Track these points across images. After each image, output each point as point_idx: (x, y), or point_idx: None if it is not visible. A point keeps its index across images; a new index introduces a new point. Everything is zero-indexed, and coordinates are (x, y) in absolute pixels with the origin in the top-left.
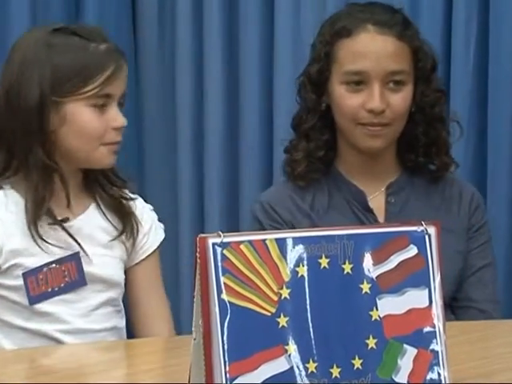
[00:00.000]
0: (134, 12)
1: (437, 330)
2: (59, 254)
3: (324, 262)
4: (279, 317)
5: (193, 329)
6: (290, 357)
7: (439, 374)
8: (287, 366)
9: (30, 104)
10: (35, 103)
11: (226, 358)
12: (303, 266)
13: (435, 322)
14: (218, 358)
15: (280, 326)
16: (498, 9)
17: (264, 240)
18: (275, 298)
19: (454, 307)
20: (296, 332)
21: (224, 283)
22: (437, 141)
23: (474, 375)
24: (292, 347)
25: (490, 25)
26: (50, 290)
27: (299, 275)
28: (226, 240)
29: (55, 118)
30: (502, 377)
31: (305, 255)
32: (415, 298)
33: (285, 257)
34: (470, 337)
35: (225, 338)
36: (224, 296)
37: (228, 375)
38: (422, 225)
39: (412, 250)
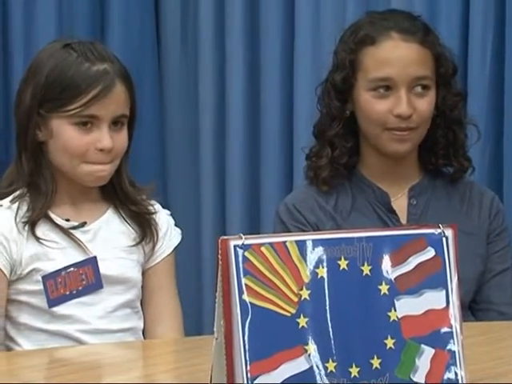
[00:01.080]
0: (157, 19)
1: (454, 330)
2: (77, 257)
3: (343, 263)
4: (299, 317)
5: (215, 329)
6: (310, 357)
7: (456, 374)
8: (307, 366)
9: (22, 112)
10: (25, 112)
11: (247, 358)
12: (323, 267)
13: (452, 322)
14: (239, 357)
15: (300, 326)
16: None
17: (284, 242)
18: (295, 299)
19: (474, 309)
20: (316, 332)
21: (245, 284)
22: (455, 143)
23: (491, 375)
24: (312, 347)
25: (506, 30)
26: (68, 292)
27: (319, 277)
28: (247, 242)
29: (44, 130)
30: None
31: (324, 257)
32: (433, 299)
33: (305, 258)
34: (487, 337)
35: (246, 338)
36: (245, 297)
37: (249, 374)
38: (439, 227)
39: (430, 252)
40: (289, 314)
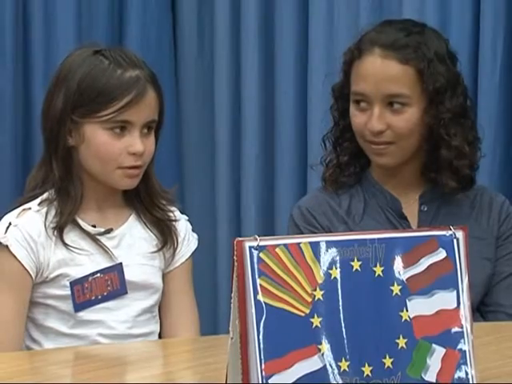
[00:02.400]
0: (174, 27)
1: (464, 330)
2: (104, 263)
3: (356, 264)
4: (313, 317)
5: (230, 328)
6: (323, 356)
7: (467, 373)
8: (320, 365)
9: (54, 117)
10: (57, 118)
11: (262, 357)
12: (336, 268)
13: (463, 322)
14: (253, 356)
15: (313, 326)
16: None
17: (298, 243)
18: (309, 299)
19: (483, 312)
20: (329, 332)
21: (260, 285)
22: (437, 162)
23: (501, 374)
24: (325, 346)
25: None
26: (93, 298)
27: (332, 277)
28: (262, 243)
29: (76, 135)
30: None
31: (338, 258)
32: (444, 300)
33: (318, 259)
34: (496, 337)
35: (260, 337)
36: (260, 297)
37: (263, 373)
38: (450, 229)
39: (441, 254)
40: (303, 314)
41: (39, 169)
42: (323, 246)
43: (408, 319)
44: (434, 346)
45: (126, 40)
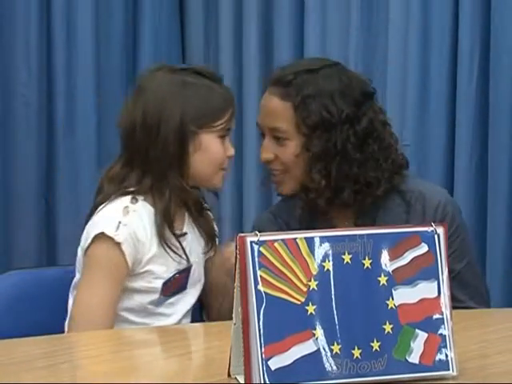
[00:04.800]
0: (183, 38)
1: (445, 317)
2: (182, 263)
3: (347, 257)
4: (308, 305)
5: (233, 315)
6: (317, 340)
7: (447, 356)
8: (315, 348)
9: (171, 133)
10: (176, 132)
11: (262, 341)
12: (329, 261)
13: (443, 310)
14: (254, 340)
15: (308, 313)
16: (499, 43)
17: (295, 239)
18: (304, 289)
19: None
20: (322, 318)
21: (260, 276)
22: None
23: (477, 356)
24: (319, 331)
25: (491, 44)
26: (168, 294)
27: (325, 269)
28: (262, 239)
29: (191, 145)
30: (502, 357)
31: (330, 252)
32: (426, 289)
33: (313, 253)
34: (473, 323)
35: (261, 323)
36: (260, 287)
37: (263, 355)
38: (432, 226)
39: (423, 248)
40: (299, 302)
41: (120, 169)
42: (317, 240)
43: (394, 307)
44: (417, 331)
45: (140, 55)
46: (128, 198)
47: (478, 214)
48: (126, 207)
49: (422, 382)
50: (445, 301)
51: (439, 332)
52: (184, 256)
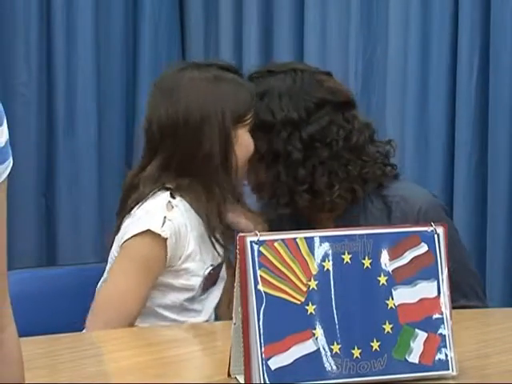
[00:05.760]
0: (183, 39)
1: (444, 316)
2: (215, 259)
3: (347, 257)
4: (308, 305)
5: (233, 315)
6: (317, 340)
7: (446, 355)
8: (314, 348)
9: (215, 130)
10: (220, 129)
11: (262, 341)
12: (329, 261)
13: (443, 309)
14: (254, 340)
15: (308, 312)
16: (498, 44)
17: (295, 238)
18: (304, 289)
19: None
20: (322, 318)
21: (260, 276)
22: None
23: (475, 356)
24: (319, 331)
25: (490, 42)
26: (204, 290)
27: (325, 269)
28: (261, 238)
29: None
30: (502, 357)
31: (330, 252)
32: (426, 289)
33: (313, 253)
34: (473, 323)
35: (260, 323)
36: (260, 287)
37: (263, 355)
38: (431, 226)
39: (423, 248)
40: (298, 302)
41: (156, 169)
42: (317, 240)
43: (393, 307)
44: (416, 330)
45: (140, 55)
46: (167, 193)
47: (478, 214)
48: (169, 202)
49: (421, 381)
50: (444, 300)
51: (439, 332)
52: (221, 251)
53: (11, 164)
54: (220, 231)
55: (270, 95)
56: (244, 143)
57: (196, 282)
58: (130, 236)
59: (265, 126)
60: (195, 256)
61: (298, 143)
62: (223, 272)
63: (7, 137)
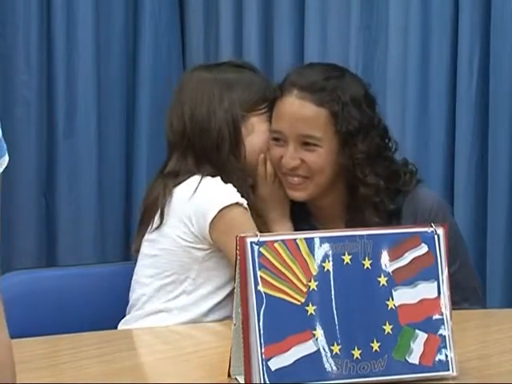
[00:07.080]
0: (183, 39)
1: (444, 317)
2: None
3: (347, 258)
4: (308, 305)
5: (233, 315)
6: (317, 340)
7: (446, 356)
8: (315, 348)
9: (223, 122)
10: (229, 120)
11: (262, 341)
12: (329, 261)
13: (443, 310)
14: (254, 340)
15: (308, 313)
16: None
17: (295, 239)
18: (304, 290)
19: None
20: (322, 319)
21: (260, 276)
22: (354, 199)
23: (475, 357)
24: (319, 332)
25: (491, 46)
26: None
27: (325, 270)
28: (262, 239)
29: (243, 129)
30: (502, 358)
31: (330, 252)
32: (426, 290)
33: (313, 254)
34: (473, 324)
35: (261, 323)
36: (260, 288)
37: (263, 356)
38: (431, 226)
39: (423, 248)
40: (299, 303)
41: (175, 165)
42: (317, 241)
43: (394, 307)
44: (417, 331)
45: (140, 55)
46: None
47: (478, 214)
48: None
49: (421, 382)
50: (445, 301)
51: (439, 332)
52: None
53: (7, 161)
54: None
55: (356, 100)
56: (260, 131)
57: None
58: (220, 208)
59: (362, 130)
60: None
61: (379, 140)
62: None
63: (0, 134)
